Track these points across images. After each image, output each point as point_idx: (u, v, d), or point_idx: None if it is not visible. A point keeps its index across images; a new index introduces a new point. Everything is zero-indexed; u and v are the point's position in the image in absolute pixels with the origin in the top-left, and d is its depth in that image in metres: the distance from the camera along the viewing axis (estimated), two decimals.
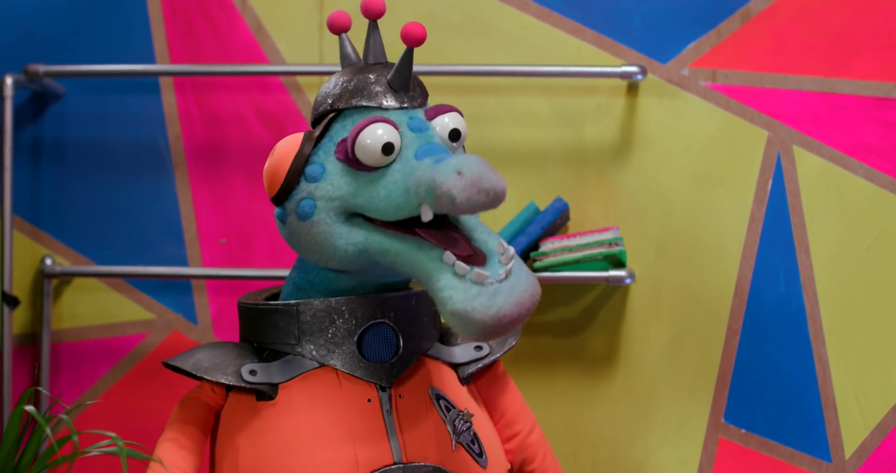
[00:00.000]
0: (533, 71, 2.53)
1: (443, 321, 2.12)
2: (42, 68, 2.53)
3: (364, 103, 1.94)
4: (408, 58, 1.93)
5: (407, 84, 1.95)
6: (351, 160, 1.90)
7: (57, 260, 2.63)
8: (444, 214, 1.83)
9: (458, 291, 1.78)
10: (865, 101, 2.54)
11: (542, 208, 2.56)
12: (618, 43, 2.59)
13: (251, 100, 2.63)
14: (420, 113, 1.95)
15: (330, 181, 1.92)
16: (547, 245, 2.49)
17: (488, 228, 1.91)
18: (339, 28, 2.02)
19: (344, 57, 2.03)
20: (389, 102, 1.94)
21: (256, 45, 2.63)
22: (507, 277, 1.80)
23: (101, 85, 2.63)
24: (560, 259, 2.47)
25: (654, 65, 2.58)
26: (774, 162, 2.56)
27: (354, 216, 1.92)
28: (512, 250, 1.84)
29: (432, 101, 2.58)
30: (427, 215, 1.83)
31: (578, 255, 2.47)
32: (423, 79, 2.54)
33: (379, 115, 1.91)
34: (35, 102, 2.63)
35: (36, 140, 2.64)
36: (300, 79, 2.63)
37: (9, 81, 2.54)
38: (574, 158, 2.59)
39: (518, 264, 1.84)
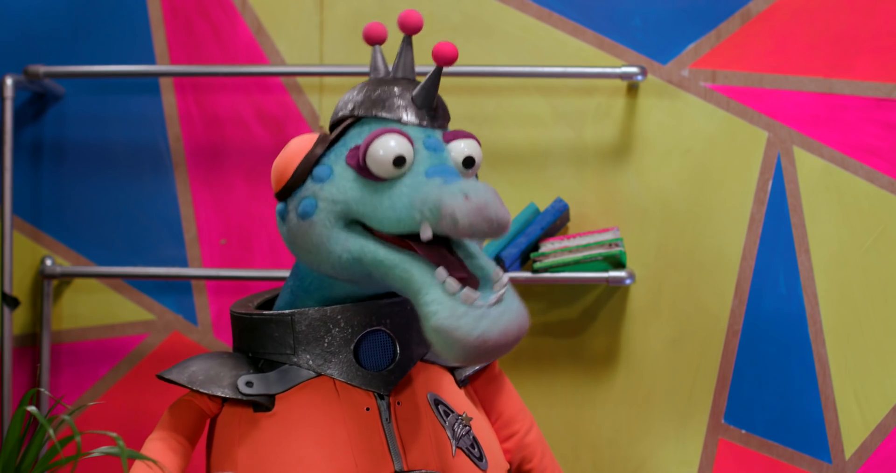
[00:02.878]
0: (533, 72, 2.53)
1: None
2: (42, 69, 2.53)
3: (384, 115, 1.93)
4: (436, 76, 1.92)
5: (431, 102, 1.94)
6: (361, 168, 1.89)
7: (57, 261, 2.62)
8: (446, 236, 1.82)
9: (445, 307, 1.77)
10: (865, 101, 2.54)
11: (542, 208, 2.56)
12: (618, 44, 2.59)
13: (251, 100, 2.63)
14: (438, 134, 1.93)
15: (336, 184, 1.90)
16: (547, 246, 2.49)
17: (487, 256, 1.90)
18: (374, 40, 2.02)
19: (374, 69, 2.02)
20: (409, 117, 1.93)
21: (256, 45, 2.63)
22: (497, 303, 1.79)
23: (101, 85, 2.63)
24: (560, 260, 2.47)
25: (654, 66, 2.58)
26: (774, 163, 2.56)
27: (354, 223, 1.90)
28: (507, 278, 1.83)
29: None
30: (426, 233, 1.81)
31: (578, 255, 2.48)
32: (423, 80, 2.55)
33: (396, 127, 1.91)
34: (35, 103, 2.63)
35: (36, 141, 2.63)
36: (300, 80, 2.63)
37: (9, 81, 2.54)
38: (574, 158, 2.59)
39: (511, 294, 1.82)
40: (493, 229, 1.77)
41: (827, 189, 2.55)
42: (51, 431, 1.81)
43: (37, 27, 2.64)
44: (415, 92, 1.94)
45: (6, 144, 2.55)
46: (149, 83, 2.64)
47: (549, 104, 2.59)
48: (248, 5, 2.63)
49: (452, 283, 1.78)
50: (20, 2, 2.64)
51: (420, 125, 1.92)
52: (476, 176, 2.01)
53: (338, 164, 1.92)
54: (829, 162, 2.55)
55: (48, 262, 2.60)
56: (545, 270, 2.47)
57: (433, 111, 1.94)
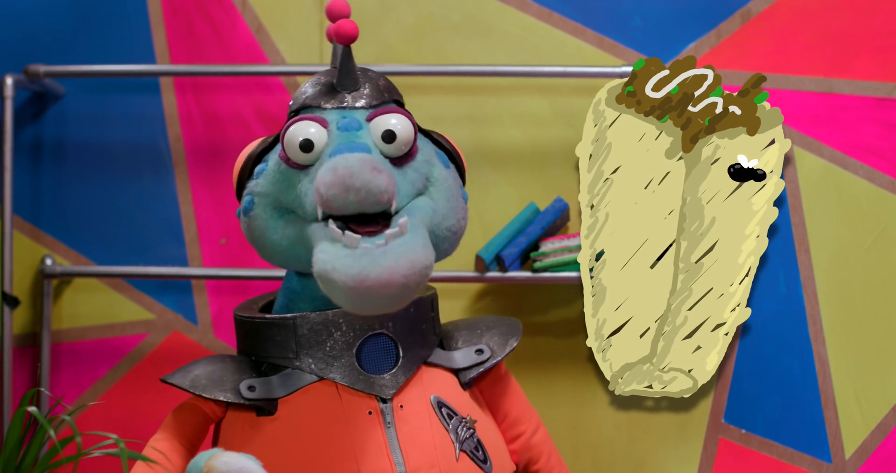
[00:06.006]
0: (533, 71, 2.52)
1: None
2: (42, 68, 2.53)
3: (310, 103, 1.96)
4: (346, 57, 1.94)
5: (354, 84, 1.96)
6: (284, 158, 1.92)
7: (57, 260, 2.62)
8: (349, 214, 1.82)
9: (327, 253, 1.77)
10: (865, 101, 2.54)
11: (542, 208, 2.56)
12: (618, 43, 2.59)
13: (251, 100, 2.63)
14: (359, 113, 1.94)
15: (266, 178, 1.95)
16: (547, 245, 2.49)
17: (427, 212, 1.90)
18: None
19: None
20: (329, 102, 1.95)
21: (256, 45, 2.63)
22: (386, 244, 1.77)
23: (102, 85, 2.63)
24: (560, 259, 2.47)
25: None
26: None
27: (290, 213, 1.93)
28: (406, 222, 1.80)
29: (433, 101, 2.59)
30: (320, 213, 1.84)
31: (578, 255, 2.48)
32: (424, 79, 2.55)
33: (313, 113, 1.93)
34: (35, 103, 2.63)
35: (36, 140, 2.63)
36: (300, 79, 2.62)
37: (9, 81, 2.54)
38: (574, 158, 2.59)
39: (412, 236, 1.79)
40: (360, 197, 1.77)
41: (827, 189, 2.55)
42: (51, 431, 1.80)
43: (37, 27, 2.64)
44: (336, 77, 1.96)
45: (6, 143, 2.55)
46: (149, 83, 2.63)
47: (549, 104, 2.59)
48: (249, 5, 2.63)
49: (335, 229, 1.79)
50: (20, 2, 2.64)
51: (339, 108, 1.94)
52: (440, 153, 2.01)
53: (271, 158, 1.96)
54: (830, 162, 2.54)
55: (48, 261, 2.60)
56: (545, 270, 2.47)
57: (357, 92, 1.96)
